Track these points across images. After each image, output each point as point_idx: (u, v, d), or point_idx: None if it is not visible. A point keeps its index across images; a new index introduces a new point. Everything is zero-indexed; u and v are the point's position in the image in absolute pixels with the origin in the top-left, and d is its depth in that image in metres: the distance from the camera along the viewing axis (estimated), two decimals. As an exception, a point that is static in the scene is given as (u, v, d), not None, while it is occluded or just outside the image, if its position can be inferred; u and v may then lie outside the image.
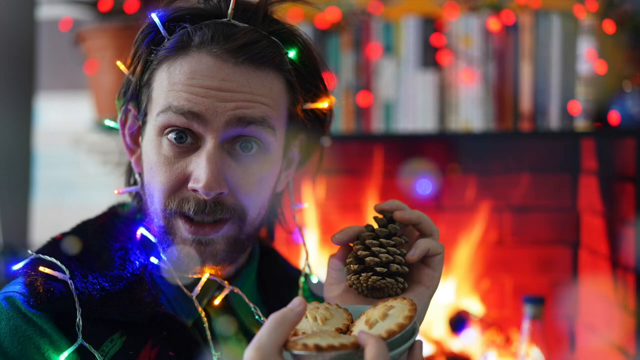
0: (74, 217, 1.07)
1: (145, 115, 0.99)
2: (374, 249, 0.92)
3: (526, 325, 1.81)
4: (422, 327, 1.26)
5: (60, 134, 2.49)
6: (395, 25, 2.07)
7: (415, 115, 2.05)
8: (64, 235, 1.02)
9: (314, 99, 1.03)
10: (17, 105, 2.44)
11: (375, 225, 0.97)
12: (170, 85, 0.94)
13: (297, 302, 0.78)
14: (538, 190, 2.33)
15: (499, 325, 2.24)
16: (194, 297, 0.99)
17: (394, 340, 0.78)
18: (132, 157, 1.05)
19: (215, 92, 0.92)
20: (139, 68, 0.99)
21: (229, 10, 0.96)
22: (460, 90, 2.04)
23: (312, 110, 1.03)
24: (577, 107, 2.01)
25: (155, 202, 0.97)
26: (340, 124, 2.06)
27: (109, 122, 1.08)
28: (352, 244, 0.96)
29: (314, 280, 1.12)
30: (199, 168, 0.93)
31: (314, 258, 2.18)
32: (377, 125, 2.06)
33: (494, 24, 2.03)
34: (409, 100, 2.05)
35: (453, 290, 2.29)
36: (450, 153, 2.36)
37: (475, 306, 2.29)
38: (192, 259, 0.97)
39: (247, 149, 0.96)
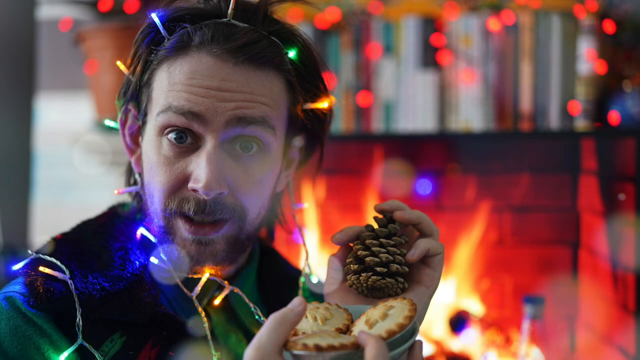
0: (74, 217, 1.07)
1: (145, 115, 0.99)
2: (374, 249, 0.92)
3: (526, 325, 1.81)
4: (422, 327, 1.26)
5: (60, 134, 2.49)
6: (395, 25, 2.07)
7: (415, 115, 2.05)
8: (64, 235, 1.02)
9: (314, 99, 1.03)
10: (17, 105, 2.44)
11: (375, 225, 0.97)
12: (170, 85, 0.94)
13: (297, 302, 0.78)
14: (538, 190, 2.33)
15: (499, 325, 2.24)
16: (194, 297, 0.99)
17: (394, 340, 0.78)
18: (132, 157, 1.05)
19: (215, 92, 0.92)
20: (139, 68, 0.99)
21: (229, 10, 0.96)
22: (460, 90, 2.05)
23: (312, 110, 1.03)
24: (577, 107, 2.01)
25: (155, 202, 0.97)
26: (340, 124, 2.06)
27: (109, 122, 1.08)
28: (352, 244, 0.96)
29: (314, 280, 1.12)
30: (199, 168, 0.93)
31: (314, 258, 2.18)
32: (377, 125, 2.06)
33: (494, 24, 2.03)
34: (409, 100, 2.05)
35: (453, 290, 2.29)
36: (450, 153, 2.36)
37: (475, 306, 2.29)
38: (192, 259, 0.97)
39: (247, 149, 0.96)
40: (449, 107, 2.06)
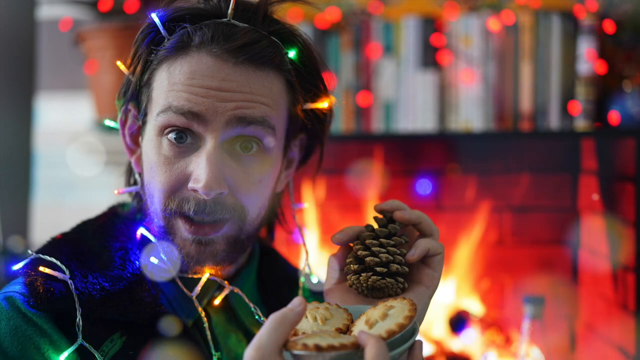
0: (74, 217, 1.07)
1: (145, 115, 0.99)
2: (374, 249, 0.92)
3: (526, 325, 1.81)
4: (422, 327, 1.26)
5: (60, 134, 2.49)
6: (395, 25, 2.07)
7: (415, 115, 2.05)
8: (64, 235, 1.02)
9: (314, 99, 1.03)
10: (17, 105, 2.44)
11: (375, 225, 0.97)
12: (170, 85, 0.94)
13: (297, 302, 0.78)
14: (538, 190, 2.33)
15: (499, 325, 2.24)
16: (194, 297, 0.99)
17: (394, 340, 0.78)
18: (132, 157, 1.05)
19: (215, 92, 0.92)
20: (139, 68, 0.99)
21: (229, 10, 0.96)
22: (460, 90, 2.05)
23: (312, 110, 1.03)
24: (577, 107, 2.01)
25: (155, 202, 0.97)
26: (340, 124, 2.06)
27: (109, 122, 1.08)
28: (352, 244, 0.96)
29: (314, 280, 1.12)
30: (199, 168, 0.93)
31: (314, 258, 2.18)
32: (377, 125, 2.06)
33: (494, 24, 2.03)
34: (409, 100, 2.05)
35: (453, 290, 2.29)
36: (450, 153, 2.36)
37: (475, 306, 2.29)
38: (192, 259, 0.97)
39: (247, 149, 0.96)
40: (449, 107, 2.06)
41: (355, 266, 0.93)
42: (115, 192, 1.07)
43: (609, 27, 2.02)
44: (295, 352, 0.74)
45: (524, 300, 1.83)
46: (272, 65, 0.96)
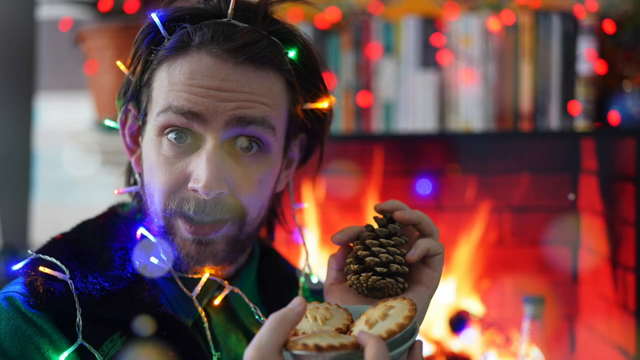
0: (74, 217, 1.07)
1: (145, 115, 0.99)
2: (374, 249, 0.92)
3: (526, 325, 1.81)
4: (422, 327, 1.26)
5: (60, 134, 2.49)
6: (395, 25, 2.07)
7: (415, 115, 2.05)
8: (64, 235, 1.01)
9: (314, 99, 1.03)
10: (17, 105, 2.44)
11: (375, 225, 0.97)
12: (170, 85, 0.94)
13: (297, 302, 0.78)
14: (538, 190, 2.33)
15: (499, 325, 2.24)
16: (194, 297, 0.99)
17: (394, 340, 0.78)
18: (132, 157, 1.05)
19: (215, 92, 0.92)
20: (139, 68, 0.99)
21: (229, 10, 0.96)
22: (460, 90, 2.05)
23: (312, 110, 1.03)
24: (577, 107, 2.01)
25: (155, 202, 0.97)
26: (340, 124, 2.06)
27: (109, 122, 1.08)
28: (352, 244, 0.96)
29: (314, 280, 1.12)
30: (199, 168, 0.93)
31: (314, 258, 2.18)
32: (377, 125, 2.06)
33: (494, 24, 2.03)
34: (409, 100, 2.05)
35: (453, 290, 2.29)
36: (450, 153, 2.36)
37: (475, 306, 2.29)
38: (192, 259, 0.97)
39: (247, 149, 0.96)
40: (449, 107, 2.06)
41: (355, 266, 0.93)
42: (115, 192, 1.07)
43: (609, 27, 2.02)
44: (295, 352, 0.74)
45: (524, 300, 1.83)
46: (272, 65, 0.96)
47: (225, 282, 1.01)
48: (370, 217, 1.36)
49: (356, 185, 2.27)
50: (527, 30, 2.03)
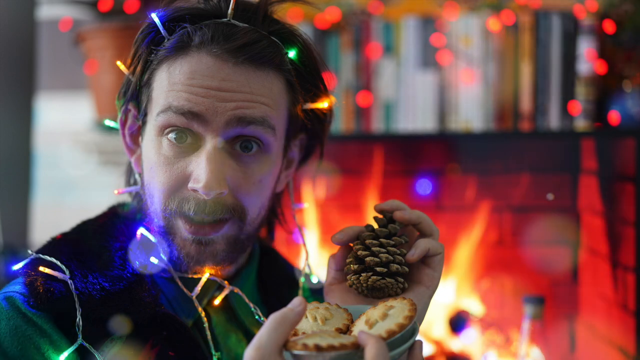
0: (74, 217, 1.07)
1: (145, 115, 0.99)
2: (374, 249, 0.92)
3: (526, 325, 1.81)
4: (422, 327, 1.26)
5: (60, 134, 2.49)
6: (395, 25, 2.07)
7: (415, 115, 2.05)
8: (64, 235, 1.01)
9: (314, 99, 1.03)
10: (17, 105, 2.44)
11: (375, 225, 0.97)
12: (170, 85, 0.94)
13: (297, 302, 0.78)
14: (538, 190, 2.33)
15: (499, 325, 2.24)
16: (194, 297, 0.99)
17: (394, 340, 0.78)
18: (132, 157, 1.05)
19: (215, 92, 0.92)
20: (139, 68, 0.99)
21: (229, 10, 0.96)
22: (460, 90, 2.05)
23: (312, 110, 1.03)
24: (577, 107, 2.01)
25: (155, 202, 0.97)
26: (340, 124, 2.06)
27: (109, 122, 1.08)
28: (352, 244, 0.96)
29: (314, 280, 1.12)
30: (199, 168, 0.93)
31: (314, 258, 2.18)
32: (377, 125, 2.06)
33: (494, 24, 2.03)
34: (409, 100, 2.05)
35: (453, 290, 2.29)
36: (450, 153, 2.36)
37: (475, 306, 2.29)
38: (192, 259, 0.97)
39: (247, 149, 0.96)
40: (449, 107, 2.06)
41: (355, 266, 0.93)
42: (115, 192, 1.07)
43: (609, 27, 2.02)
44: (295, 352, 0.74)
45: (524, 300, 1.83)
46: (272, 65, 0.96)
47: (225, 282, 1.01)
48: (370, 217, 1.36)
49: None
50: (527, 30, 2.03)
